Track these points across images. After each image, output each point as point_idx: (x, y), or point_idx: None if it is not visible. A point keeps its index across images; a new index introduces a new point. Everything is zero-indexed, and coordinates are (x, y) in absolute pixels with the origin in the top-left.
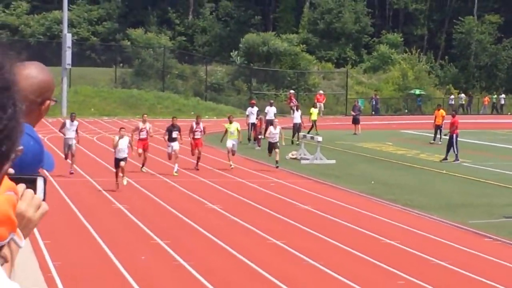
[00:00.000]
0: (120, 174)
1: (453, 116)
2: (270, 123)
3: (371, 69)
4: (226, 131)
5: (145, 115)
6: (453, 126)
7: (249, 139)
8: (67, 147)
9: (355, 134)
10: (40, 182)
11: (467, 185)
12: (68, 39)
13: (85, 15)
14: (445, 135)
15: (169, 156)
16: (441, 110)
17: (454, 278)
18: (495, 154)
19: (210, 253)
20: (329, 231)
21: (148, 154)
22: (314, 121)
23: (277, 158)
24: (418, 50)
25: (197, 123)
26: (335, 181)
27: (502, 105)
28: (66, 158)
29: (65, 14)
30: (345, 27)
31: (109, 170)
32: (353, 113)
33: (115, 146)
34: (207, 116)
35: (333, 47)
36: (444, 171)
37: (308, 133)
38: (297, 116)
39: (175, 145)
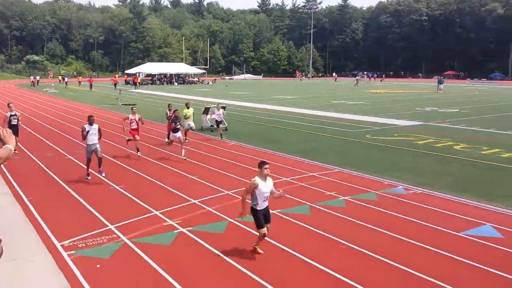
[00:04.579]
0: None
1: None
2: None
3: None
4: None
5: (134, 108)
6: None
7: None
8: (90, 153)
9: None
10: None
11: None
12: None
13: None
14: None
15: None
16: None
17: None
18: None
19: None
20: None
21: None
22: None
23: (221, 132)
24: None
25: (169, 109)
26: None
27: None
28: (88, 163)
29: None
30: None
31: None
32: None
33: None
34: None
35: None
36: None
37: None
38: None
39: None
